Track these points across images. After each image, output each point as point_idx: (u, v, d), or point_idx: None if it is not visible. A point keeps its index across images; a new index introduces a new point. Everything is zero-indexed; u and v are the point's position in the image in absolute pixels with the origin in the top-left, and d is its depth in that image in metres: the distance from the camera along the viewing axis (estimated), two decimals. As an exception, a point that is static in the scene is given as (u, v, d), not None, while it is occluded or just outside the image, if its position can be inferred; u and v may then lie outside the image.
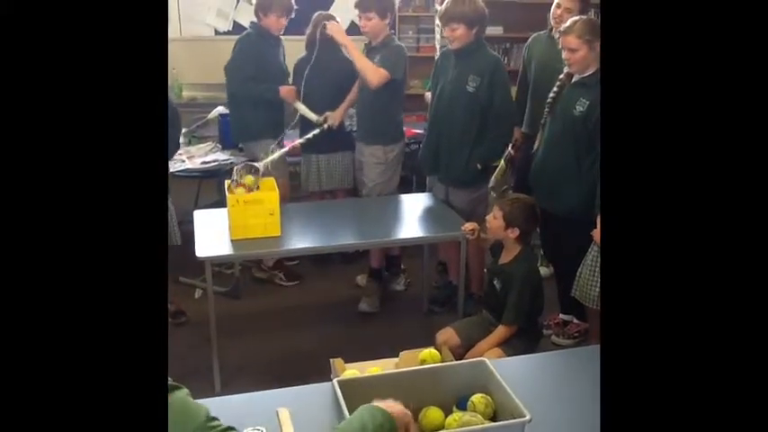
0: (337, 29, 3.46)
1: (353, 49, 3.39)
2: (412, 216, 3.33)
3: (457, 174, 3.32)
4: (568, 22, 2.85)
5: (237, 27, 5.74)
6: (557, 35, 3.07)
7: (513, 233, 2.70)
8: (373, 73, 3.32)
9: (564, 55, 2.86)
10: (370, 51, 3.46)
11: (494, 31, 5.51)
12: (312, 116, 3.66)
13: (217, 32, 5.24)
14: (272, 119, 3.74)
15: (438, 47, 3.91)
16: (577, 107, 2.82)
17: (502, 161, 3.25)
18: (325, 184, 3.85)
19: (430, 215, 3.31)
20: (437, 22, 3.92)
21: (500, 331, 2.63)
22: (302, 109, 3.68)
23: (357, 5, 3.41)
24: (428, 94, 3.83)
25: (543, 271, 3.54)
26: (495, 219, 2.73)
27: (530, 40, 3.82)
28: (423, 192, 3.72)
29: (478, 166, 3.27)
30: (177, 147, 3.72)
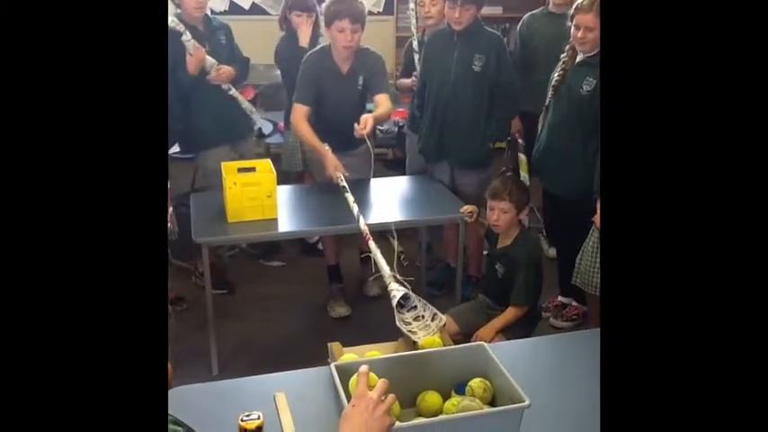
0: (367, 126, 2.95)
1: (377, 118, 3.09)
2: (408, 198, 3.31)
3: (470, 155, 3.28)
4: (585, 0, 2.73)
5: (234, 7, 5.71)
6: (565, 12, 2.96)
7: (524, 213, 2.73)
8: (388, 109, 3.17)
9: (578, 34, 2.75)
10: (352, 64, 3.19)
11: (493, 11, 5.48)
12: (247, 105, 3.48)
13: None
14: (222, 123, 3.39)
15: (414, 31, 3.74)
16: (584, 87, 2.78)
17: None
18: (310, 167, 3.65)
19: (427, 197, 3.29)
20: (411, 6, 3.77)
21: (510, 312, 2.63)
22: (236, 95, 3.42)
23: (348, 16, 3.01)
24: (407, 80, 3.77)
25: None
26: (504, 213, 2.68)
27: (525, 17, 3.79)
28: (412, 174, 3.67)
29: (491, 144, 3.26)
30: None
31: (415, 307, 2.14)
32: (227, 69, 3.35)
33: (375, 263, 2.37)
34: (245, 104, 3.50)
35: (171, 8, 3.20)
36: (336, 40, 3.08)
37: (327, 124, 3.21)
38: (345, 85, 3.20)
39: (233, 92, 3.41)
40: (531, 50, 3.66)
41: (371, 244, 2.48)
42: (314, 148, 3.16)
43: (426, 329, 2.06)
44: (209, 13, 3.54)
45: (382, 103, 3.15)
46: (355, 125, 2.92)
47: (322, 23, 3.41)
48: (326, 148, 3.09)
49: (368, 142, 2.95)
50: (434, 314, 2.10)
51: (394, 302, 2.13)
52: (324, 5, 3.16)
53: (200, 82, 3.28)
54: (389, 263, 2.33)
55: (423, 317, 2.11)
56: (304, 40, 3.60)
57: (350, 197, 2.77)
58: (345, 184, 2.87)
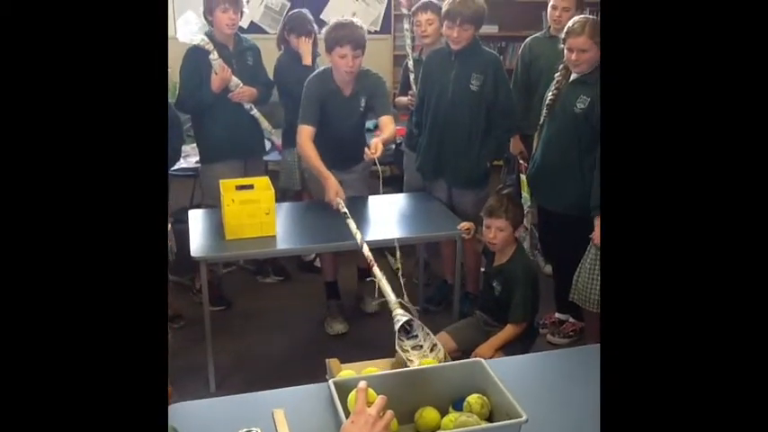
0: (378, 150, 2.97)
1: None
2: (406, 215, 3.32)
3: (466, 174, 3.30)
4: (575, 24, 2.78)
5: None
6: (561, 35, 2.92)
7: (519, 231, 2.75)
8: (393, 131, 3.21)
9: (572, 56, 2.79)
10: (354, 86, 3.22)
11: (489, 29, 5.52)
12: (267, 125, 3.52)
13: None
14: (234, 139, 3.42)
15: (410, 51, 3.73)
16: (578, 104, 2.81)
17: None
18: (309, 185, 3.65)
19: (425, 214, 3.30)
20: (406, 26, 3.78)
21: (509, 330, 2.64)
22: (257, 116, 3.47)
23: (350, 42, 3.03)
24: (403, 98, 3.80)
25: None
26: (501, 231, 2.71)
27: (528, 40, 3.77)
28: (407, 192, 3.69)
29: (488, 163, 3.29)
30: (178, 155, 3.53)
31: (417, 336, 2.13)
32: (249, 89, 3.39)
33: (379, 288, 2.36)
34: (265, 124, 3.54)
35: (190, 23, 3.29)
36: (338, 65, 3.09)
37: (329, 143, 3.22)
38: (348, 107, 3.23)
39: (254, 112, 3.45)
40: (534, 73, 3.64)
41: (376, 270, 2.46)
42: (317, 171, 3.15)
43: (423, 359, 2.05)
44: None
45: (387, 125, 3.18)
46: (366, 149, 2.96)
47: (320, 44, 3.43)
48: (329, 172, 3.09)
49: (377, 164, 2.98)
50: (434, 345, 2.08)
51: (397, 327, 2.12)
52: (324, 30, 3.15)
53: (221, 98, 3.33)
54: (391, 284, 2.34)
55: (421, 347, 2.10)
56: (307, 59, 3.65)
57: (352, 224, 2.77)
58: (346, 210, 2.88)
